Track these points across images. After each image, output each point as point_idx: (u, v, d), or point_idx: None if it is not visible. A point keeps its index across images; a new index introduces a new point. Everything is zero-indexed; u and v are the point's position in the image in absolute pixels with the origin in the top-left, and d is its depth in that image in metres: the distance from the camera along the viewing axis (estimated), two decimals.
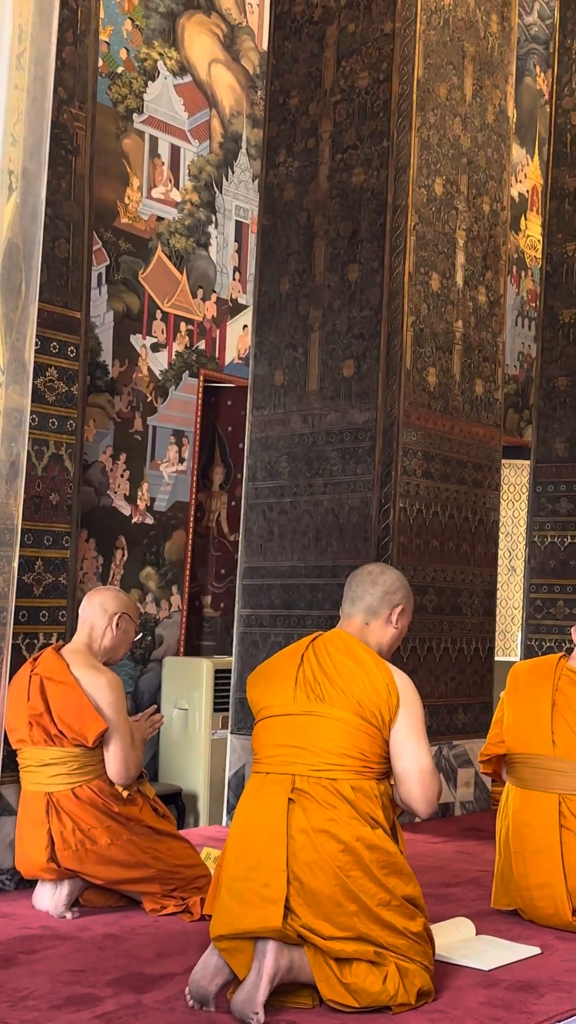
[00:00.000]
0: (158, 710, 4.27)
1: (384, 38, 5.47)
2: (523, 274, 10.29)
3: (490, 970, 3.07)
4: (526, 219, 10.26)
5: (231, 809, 5.55)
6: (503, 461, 6.09)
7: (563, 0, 7.57)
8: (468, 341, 5.73)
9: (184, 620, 6.91)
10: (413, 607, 3.19)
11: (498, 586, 6.07)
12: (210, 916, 2.84)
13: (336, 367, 5.52)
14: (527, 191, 10.27)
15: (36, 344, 2.79)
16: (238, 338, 7.29)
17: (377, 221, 5.43)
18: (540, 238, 8.62)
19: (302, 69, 5.75)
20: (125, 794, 3.62)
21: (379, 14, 5.49)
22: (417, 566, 5.40)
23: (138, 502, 6.60)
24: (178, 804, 6.10)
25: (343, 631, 3.05)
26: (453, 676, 5.64)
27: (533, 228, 10.36)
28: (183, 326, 6.94)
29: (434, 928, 3.00)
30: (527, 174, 10.27)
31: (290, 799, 2.79)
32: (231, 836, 2.87)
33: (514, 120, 6.26)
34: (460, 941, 3.28)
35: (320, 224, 5.63)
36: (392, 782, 2.91)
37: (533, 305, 10.30)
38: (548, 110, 7.78)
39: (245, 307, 7.27)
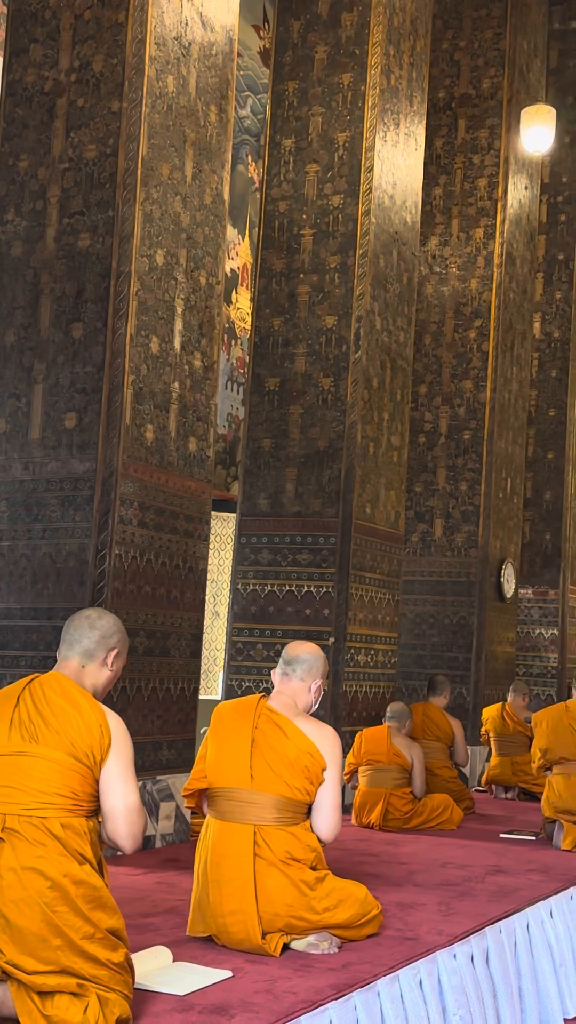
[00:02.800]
0: None
1: (111, 115, 5.50)
2: (233, 343, 10.53)
3: (185, 995, 3.05)
4: (236, 293, 10.54)
5: None
6: (212, 514, 6.17)
7: (274, 100, 7.89)
8: (184, 401, 5.80)
9: None
10: (127, 650, 3.17)
11: (203, 629, 6.12)
12: None
13: (58, 418, 5.44)
14: (238, 268, 10.55)
15: None
16: None
17: (101, 284, 5.42)
18: (249, 311, 8.86)
19: (32, 135, 5.68)
20: None
21: (107, 93, 5.53)
22: (130, 610, 5.37)
23: None
24: None
25: (59, 673, 2.98)
26: (159, 714, 5.63)
27: (243, 301, 10.65)
28: None
29: (133, 957, 2.96)
30: (238, 252, 10.56)
31: (0, 838, 2.68)
32: None
33: (228, 203, 6.43)
34: (157, 968, 3.25)
35: (46, 282, 5.56)
36: (100, 819, 2.87)
37: (242, 371, 10.56)
38: (259, 197, 8.05)
39: None
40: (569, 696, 6.48)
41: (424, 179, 8.61)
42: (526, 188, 10.62)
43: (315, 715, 3.92)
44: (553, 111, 9.88)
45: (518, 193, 10.38)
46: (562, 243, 12.07)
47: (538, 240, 11.66)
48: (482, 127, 10.10)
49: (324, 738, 3.70)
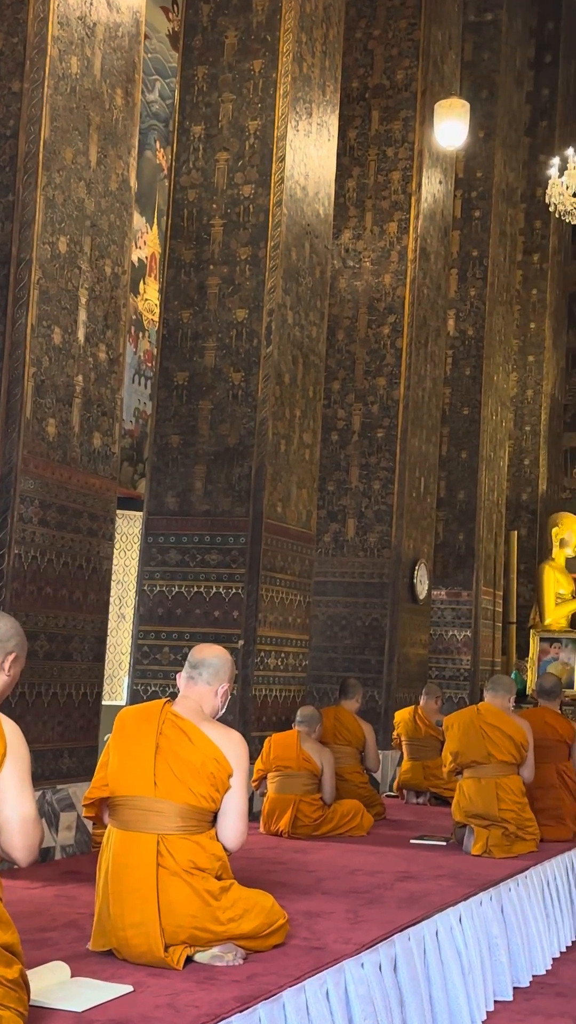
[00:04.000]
0: None
1: (12, 96, 5.42)
2: (140, 335, 10.47)
3: (83, 1011, 3.02)
4: (144, 283, 10.48)
5: None
6: (117, 512, 6.13)
7: (183, 85, 7.86)
8: (88, 395, 5.74)
9: None
10: (26, 654, 3.13)
11: (108, 632, 6.07)
12: None
13: None
14: (146, 257, 10.49)
15: None
16: None
17: (0, 272, 5.34)
18: (157, 302, 8.82)
19: None
20: None
21: (7, 72, 5.44)
22: (30, 612, 5.30)
23: None
24: None
25: None
26: (60, 721, 5.57)
27: (151, 292, 10.60)
28: None
29: (29, 973, 2.93)
30: (146, 241, 10.50)
31: None
32: None
33: (135, 190, 6.39)
34: (55, 984, 3.21)
35: None
36: None
37: (149, 365, 10.50)
38: (167, 184, 8.01)
39: None
40: (481, 699, 6.58)
41: (337, 171, 8.66)
42: (440, 183, 10.76)
43: (223, 720, 3.92)
44: (467, 105, 10.03)
45: (432, 187, 10.51)
46: (476, 239, 12.26)
47: (452, 236, 11.83)
48: (396, 119, 10.21)
49: (231, 743, 3.70)
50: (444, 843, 6.36)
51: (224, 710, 3.92)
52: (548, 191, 10.07)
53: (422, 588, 10.44)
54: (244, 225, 7.61)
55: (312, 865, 5.47)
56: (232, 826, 3.67)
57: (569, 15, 14.98)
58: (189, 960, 3.52)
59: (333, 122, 8.33)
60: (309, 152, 7.93)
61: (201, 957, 3.53)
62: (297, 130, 7.72)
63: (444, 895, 4.72)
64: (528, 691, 10.84)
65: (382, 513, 10.10)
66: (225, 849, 3.68)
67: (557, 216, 10.39)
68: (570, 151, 10.14)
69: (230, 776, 3.65)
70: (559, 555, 13.07)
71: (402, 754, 8.71)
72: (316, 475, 8.22)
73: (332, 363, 10.10)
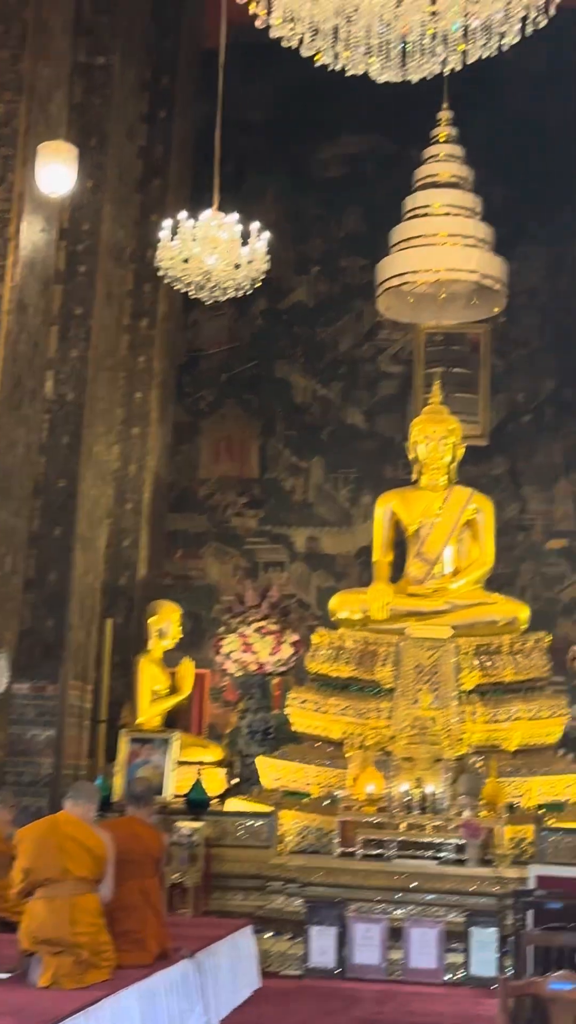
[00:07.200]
0: None
1: None
2: None
3: None
4: None
5: None
6: None
7: None
8: None
9: None
10: None
11: None
12: None
13: None
14: None
15: None
16: None
17: None
18: None
19: None
20: None
21: None
22: None
23: None
24: None
25: None
26: None
27: None
28: None
29: None
30: None
31: None
32: None
33: None
34: None
35: None
36: None
37: None
38: None
39: None
40: (61, 809, 6.50)
41: None
42: (43, 231, 10.81)
43: None
44: (75, 150, 10.17)
45: (33, 235, 10.53)
46: (80, 297, 12.37)
47: (54, 291, 11.87)
48: None
49: None
50: (9, 975, 6.17)
51: None
52: (159, 254, 10.36)
53: (1, 681, 10.21)
54: None
55: None
56: None
57: (185, 69, 15.63)
58: None
59: None
60: None
61: None
62: None
63: None
64: (114, 798, 10.81)
65: None
66: None
67: (167, 281, 10.70)
68: (183, 214, 10.51)
69: None
70: (157, 647, 13.16)
71: None
72: None
73: None
